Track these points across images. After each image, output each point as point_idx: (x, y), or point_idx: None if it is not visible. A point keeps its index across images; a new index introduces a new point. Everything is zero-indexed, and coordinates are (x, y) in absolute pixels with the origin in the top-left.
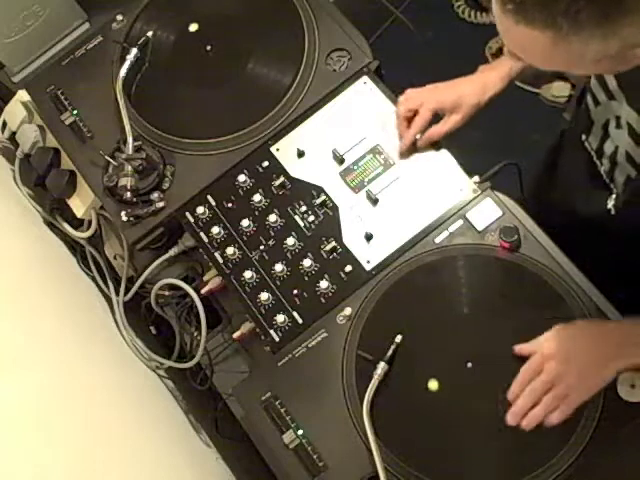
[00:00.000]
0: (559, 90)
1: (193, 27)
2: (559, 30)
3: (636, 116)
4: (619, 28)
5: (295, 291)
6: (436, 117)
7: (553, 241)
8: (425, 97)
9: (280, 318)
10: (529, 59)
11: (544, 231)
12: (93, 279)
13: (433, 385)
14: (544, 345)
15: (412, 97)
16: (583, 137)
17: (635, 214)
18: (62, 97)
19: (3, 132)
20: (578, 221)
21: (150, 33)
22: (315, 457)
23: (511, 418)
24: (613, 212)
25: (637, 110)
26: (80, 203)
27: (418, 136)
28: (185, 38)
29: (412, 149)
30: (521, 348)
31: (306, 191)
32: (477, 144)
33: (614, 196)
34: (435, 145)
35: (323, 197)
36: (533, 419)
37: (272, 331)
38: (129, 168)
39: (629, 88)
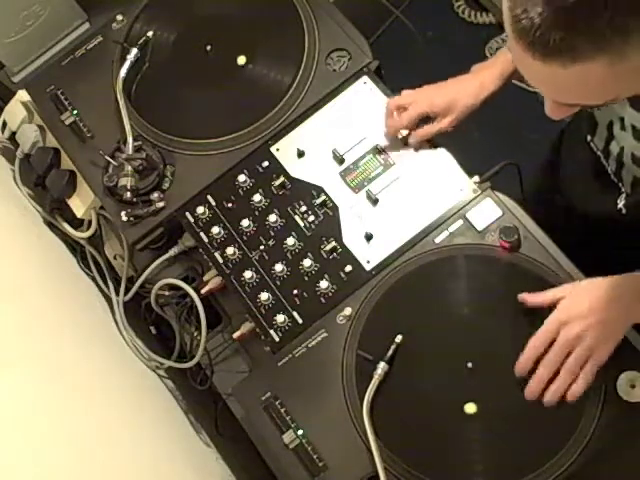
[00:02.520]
0: None
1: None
2: (612, 50)
3: None
4: None
5: (295, 291)
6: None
7: (553, 241)
8: (418, 98)
9: (280, 318)
10: (585, 99)
11: (544, 231)
12: (93, 279)
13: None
14: (558, 309)
15: (405, 95)
16: (588, 138)
17: None
18: (62, 97)
19: (3, 132)
20: (585, 221)
21: (150, 33)
22: (315, 457)
23: (530, 393)
24: (624, 212)
25: None
26: (80, 203)
27: (404, 132)
28: (185, 38)
29: (400, 143)
30: (535, 297)
31: (306, 191)
32: (477, 144)
33: (624, 195)
34: (430, 143)
35: (323, 197)
36: (556, 392)
37: (272, 331)
38: (129, 168)
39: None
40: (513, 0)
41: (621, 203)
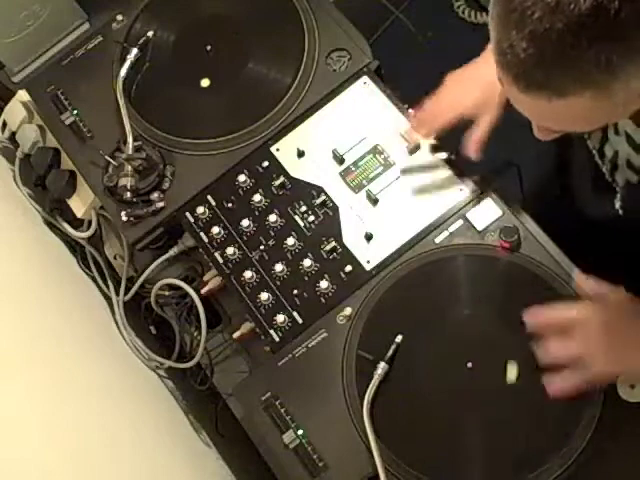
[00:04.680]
0: None
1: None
2: (596, 86)
3: (633, 126)
4: None
5: (295, 291)
6: None
7: (553, 241)
8: (443, 108)
9: (280, 318)
10: (573, 128)
11: (544, 231)
12: (93, 279)
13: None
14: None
15: (428, 111)
16: (585, 135)
17: None
18: (62, 97)
19: (3, 132)
20: (584, 221)
21: (150, 33)
22: (315, 457)
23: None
24: (621, 212)
25: (633, 120)
26: (80, 203)
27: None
28: (185, 38)
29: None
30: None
31: (306, 191)
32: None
33: (619, 196)
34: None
35: (323, 197)
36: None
37: (272, 331)
38: (129, 168)
39: None
40: (500, 32)
41: (618, 204)
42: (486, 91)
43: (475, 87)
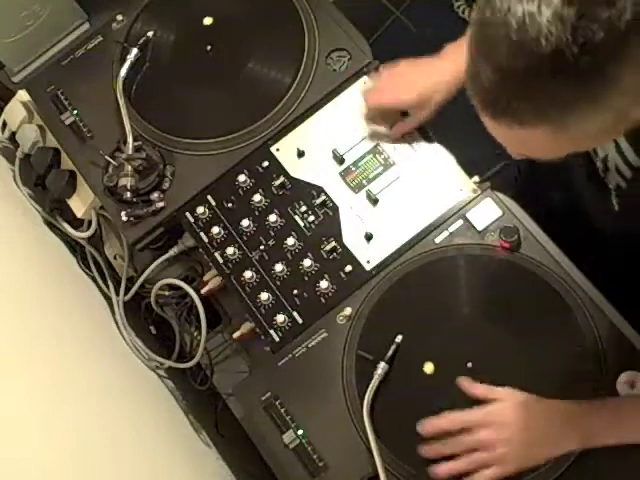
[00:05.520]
0: None
1: (207, 21)
2: (552, 121)
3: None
4: (609, 100)
5: (295, 291)
6: None
7: (553, 241)
8: (385, 99)
9: (280, 318)
10: (539, 155)
11: (544, 231)
12: (93, 279)
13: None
14: (485, 411)
15: (371, 98)
16: None
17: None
18: (62, 97)
19: (3, 132)
20: (584, 219)
21: (150, 33)
22: (315, 457)
23: (425, 453)
24: (617, 208)
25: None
26: (80, 203)
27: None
28: (185, 38)
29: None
30: (474, 387)
31: (306, 191)
32: (477, 144)
33: (614, 194)
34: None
35: (323, 197)
36: (447, 471)
37: (272, 331)
38: (129, 168)
39: None
40: (471, 58)
41: (614, 201)
42: (429, 89)
43: (422, 83)
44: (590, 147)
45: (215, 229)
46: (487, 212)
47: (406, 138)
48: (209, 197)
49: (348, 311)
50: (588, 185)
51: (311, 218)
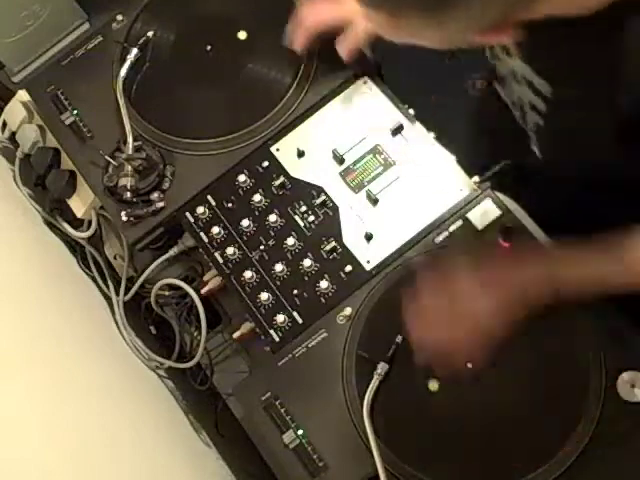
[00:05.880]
0: None
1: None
2: (434, 10)
3: (529, 70)
4: None
5: (295, 291)
6: None
7: (553, 241)
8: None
9: (280, 318)
10: (427, 44)
11: (544, 231)
12: (93, 279)
13: (433, 385)
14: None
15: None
16: (498, 88)
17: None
18: (62, 97)
19: (3, 132)
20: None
21: (150, 33)
22: (315, 457)
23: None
24: (540, 156)
25: (529, 65)
26: (80, 203)
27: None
28: (185, 38)
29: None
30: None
31: (306, 191)
32: (477, 144)
33: (534, 139)
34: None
35: (323, 197)
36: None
37: (272, 331)
38: (129, 168)
39: (523, 45)
40: None
41: (535, 148)
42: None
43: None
44: (479, 43)
45: (215, 229)
46: (487, 212)
47: (406, 138)
48: (209, 197)
49: (348, 311)
50: (511, 136)
51: (311, 218)
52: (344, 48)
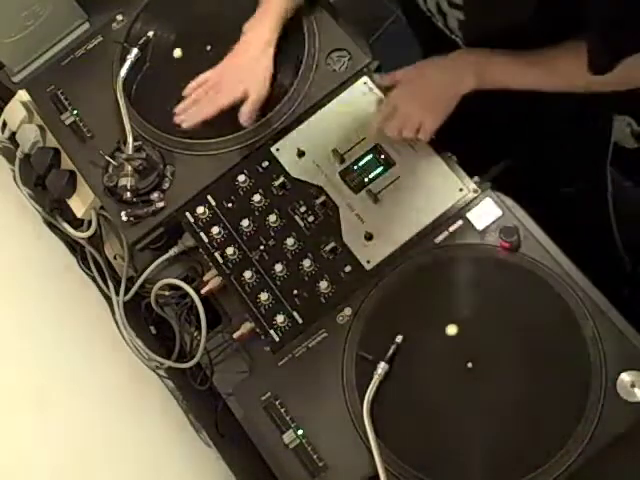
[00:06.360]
0: None
1: (177, 53)
2: None
3: None
4: None
5: (295, 291)
6: None
7: (553, 241)
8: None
9: (280, 318)
10: None
11: (544, 231)
12: (93, 279)
13: (452, 329)
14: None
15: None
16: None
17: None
18: (62, 97)
19: (3, 132)
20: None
21: (150, 33)
22: (315, 457)
23: None
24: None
25: None
26: (80, 203)
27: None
28: (185, 38)
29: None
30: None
31: (306, 191)
32: (477, 144)
33: (460, 36)
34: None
35: (323, 197)
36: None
37: (272, 331)
38: (129, 168)
39: None
40: None
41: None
42: (252, 75)
43: (245, 76)
44: None
45: (215, 229)
46: (487, 212)
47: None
48: (209, 197)
49: (348, 311)
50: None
51: (311, 218)
52: (247, 115)
